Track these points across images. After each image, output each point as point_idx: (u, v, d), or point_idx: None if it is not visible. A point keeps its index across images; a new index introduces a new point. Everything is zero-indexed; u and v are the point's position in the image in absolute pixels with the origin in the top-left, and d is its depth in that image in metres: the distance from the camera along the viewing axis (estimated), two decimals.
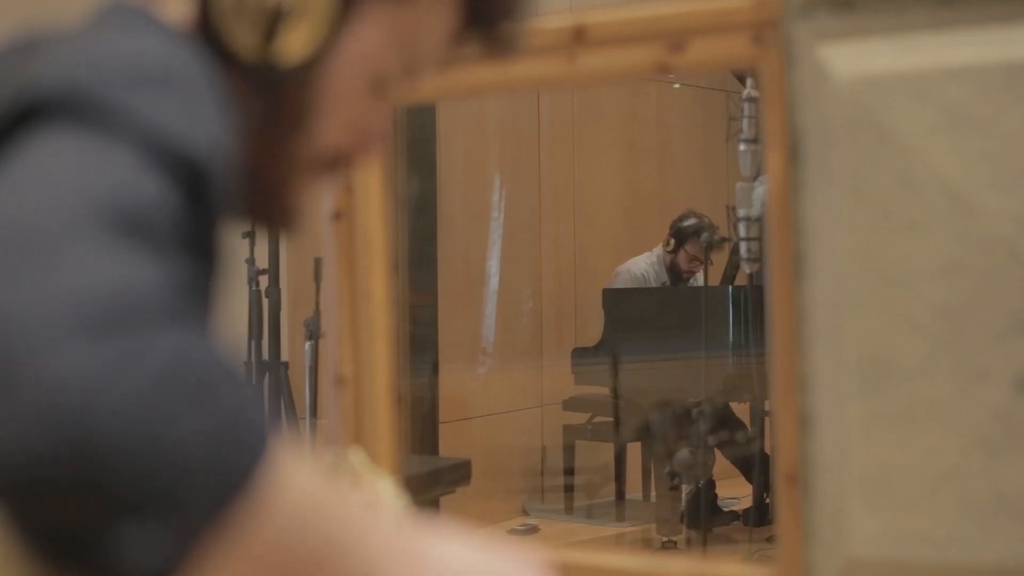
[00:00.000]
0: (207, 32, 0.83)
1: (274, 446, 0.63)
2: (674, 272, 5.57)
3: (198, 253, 0.70)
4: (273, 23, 0.83)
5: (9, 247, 0.61)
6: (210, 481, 0.60)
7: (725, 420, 5.08)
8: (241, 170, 0.78)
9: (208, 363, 0.62)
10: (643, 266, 5.60)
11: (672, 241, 5.52)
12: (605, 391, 5.41)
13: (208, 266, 0.72)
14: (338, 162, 0.92)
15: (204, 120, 0.73)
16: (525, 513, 5.83)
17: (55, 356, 0.58)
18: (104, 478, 0.58)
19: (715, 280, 5.48)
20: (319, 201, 1.62)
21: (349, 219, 1.61)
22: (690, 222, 5.48)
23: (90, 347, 0.58)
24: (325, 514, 0.68)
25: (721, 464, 5.24)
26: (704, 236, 5.30)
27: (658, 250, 5.63)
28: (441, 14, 0.91)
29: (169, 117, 0.70)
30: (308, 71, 0.86)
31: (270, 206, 0.89)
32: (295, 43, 0.84)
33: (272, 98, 0.85)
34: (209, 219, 0.71)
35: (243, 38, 0.83)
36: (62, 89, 0.70)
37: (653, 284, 5.55)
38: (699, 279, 5.66)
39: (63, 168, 0.66)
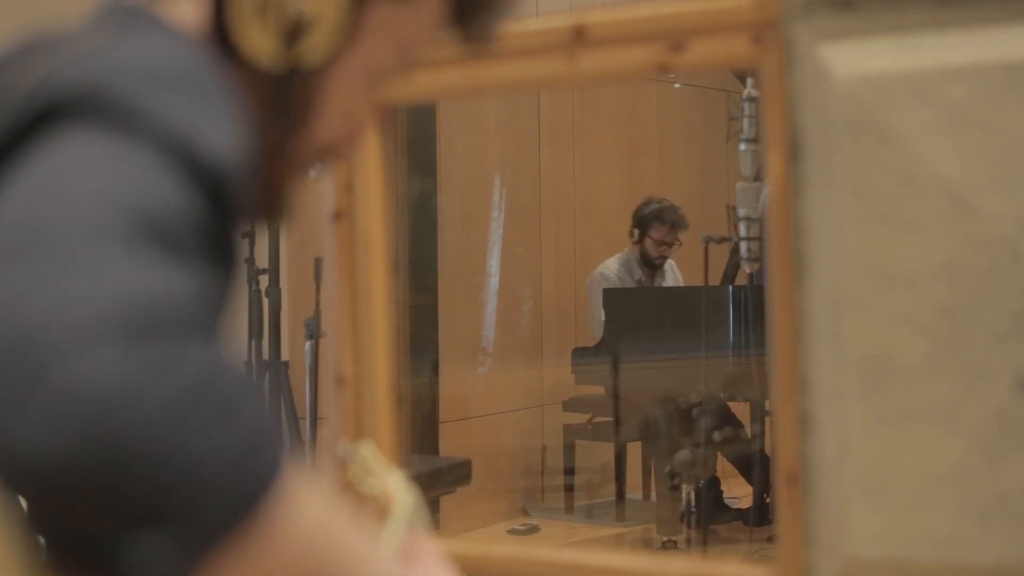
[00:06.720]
0: (220, 35, 0.84)
1: (288, 465, 0.64)
2: (646, 261, 5.54)
3: (217, 259, 0.70)
4: (293, 30, 0.84)
5: (38, 249, 0.62)
6: (228, 495, 0.61)
7: (724, 419, 5.08)
8: (249, 170, 0.79)
9: (233, 379, 0.62)
10: (614, 267, 5.57)
11: (636, 231, 5.50)
12: (605, 391, 5.41)
13: (226, 272, 0.73)
14: (329, 154, 0.94)
15: (220, 124, 0.73)
16: (525, 513, 5.83)
17: (87, 361, 0.58)
18: (128, 484, 0.58)
19: (715, 280, 5.48)
20: (318, 200, 1.62)
21: (349, 219, 1.61)
22: (649, 208, 5.47)
23: (123, 354, 0.59)
24: (333, 536, 0.69)
25: (721, 464, 5.24)
26: (666, 216, 5.29)
27: (627, 248, 5.61)
28: (432, 13, 0.92)
29: (189, 121, 0.70)
30: (319, 74, 0.87)
31: (268, 200, 0.90)
32: (313, 49, 0.85)
33: (282, 100, 0.86)
34: (227, 224, 0.72)
35: (261, 43, 0.84)
36: (82, 90, 0.70)
37: (629, 283, 5.53)
38: (672, 265, 5.64)
39: (90, 171, 0.66)
